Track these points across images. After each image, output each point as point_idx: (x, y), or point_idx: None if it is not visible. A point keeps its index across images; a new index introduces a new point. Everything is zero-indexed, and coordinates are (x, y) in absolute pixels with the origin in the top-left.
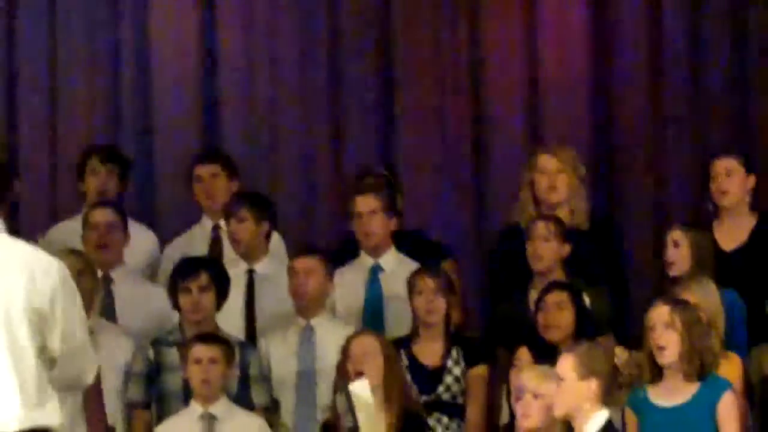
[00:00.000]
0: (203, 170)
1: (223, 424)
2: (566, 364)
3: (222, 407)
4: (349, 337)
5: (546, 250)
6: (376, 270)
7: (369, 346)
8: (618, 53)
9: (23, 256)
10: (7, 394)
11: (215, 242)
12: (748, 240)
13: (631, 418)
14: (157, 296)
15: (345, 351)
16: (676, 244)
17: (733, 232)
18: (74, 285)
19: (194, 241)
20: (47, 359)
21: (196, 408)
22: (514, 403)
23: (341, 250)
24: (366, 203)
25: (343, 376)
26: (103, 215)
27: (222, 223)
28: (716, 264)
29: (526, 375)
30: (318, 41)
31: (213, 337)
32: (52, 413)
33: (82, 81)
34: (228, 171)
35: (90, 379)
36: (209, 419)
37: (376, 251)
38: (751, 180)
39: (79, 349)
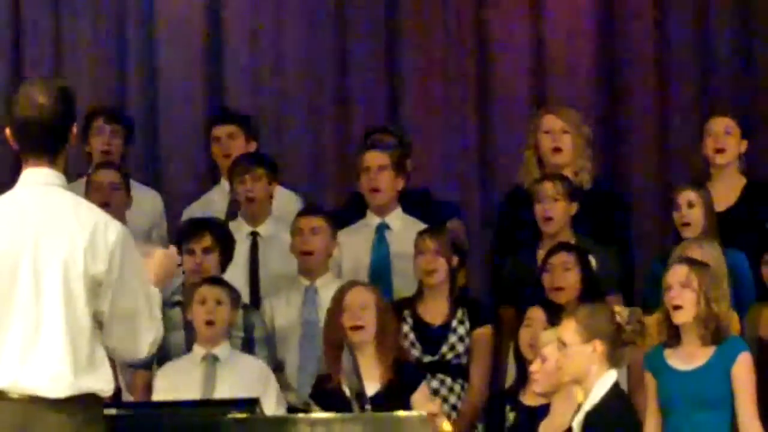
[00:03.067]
0: (221, 131)
1: (225, 366)
2: (568, 329)
3: (224, 349)
4: (343, 288)
5: (555, 211)
6: (382, 229)
7: (365, 298)
8: (624, 16)
9: (84, 216)
10: (60, 359)
11: (234, 203)
12: (738, 200)
13: (650, 381)
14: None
15: (338, 303)
16: (690, 205)
17: (724, 193)
18: (135, 249)
19: (213, 203)
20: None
21: (198, 350)
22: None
23: (347, 211)
24: (375, 158)
25: (338, 329)
26: (106, 176)
27: None
28: None
29: (537, 338)
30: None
31: (219, 279)
32: (102, 378)
33: (87, 43)
34: (246, 132)
35: (145, 350)
36: (212, 360)
37: (382, 210)
38: (744, 144)
39: (133, 313)
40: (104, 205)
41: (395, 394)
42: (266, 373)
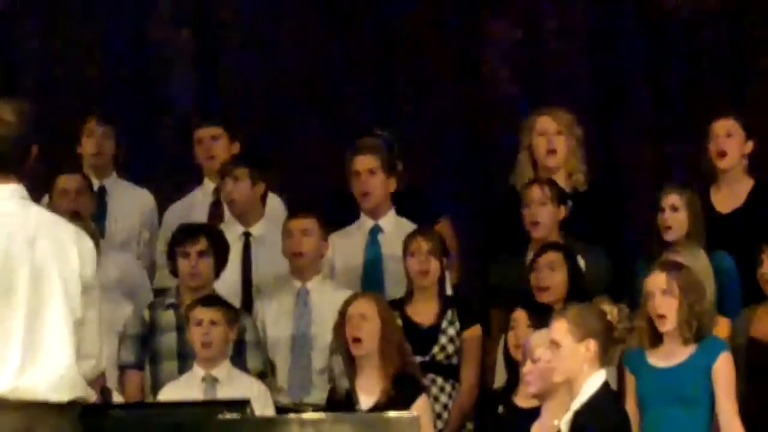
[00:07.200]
0: (204, 132)
1: (224, 387)
2: (560, 328)
3: (224, 370)
4: (347, 299)
5: (543, 215)
6: (375, 231)
7: (366, 309)
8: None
9: (65, 223)
10: (65, 362)
11: (216, 204)
12: (745, 203)
13: (629, 380)
14: (134, 267)
15: (342, 314)
16: (674, 208)
17: (730, 195)
18: None
19: (195, 204)
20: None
21: (198, 370)
22: (521, 367)
23: (341, 212)
24: (364, 162)
25: (341, 339)
26: (71, 182)
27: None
28: (713, 226)
29: (522, 340)
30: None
31: (215, 299)
32: (86, 385)
33: (79, 41)
34: (229, 133)
35: (104, 362)
36: (211, 381)
37: (375, 212)
38: (749, 145)
39: (98, 323)
40: (73, 212)
41: (392, 408)
42: (264, 393)
